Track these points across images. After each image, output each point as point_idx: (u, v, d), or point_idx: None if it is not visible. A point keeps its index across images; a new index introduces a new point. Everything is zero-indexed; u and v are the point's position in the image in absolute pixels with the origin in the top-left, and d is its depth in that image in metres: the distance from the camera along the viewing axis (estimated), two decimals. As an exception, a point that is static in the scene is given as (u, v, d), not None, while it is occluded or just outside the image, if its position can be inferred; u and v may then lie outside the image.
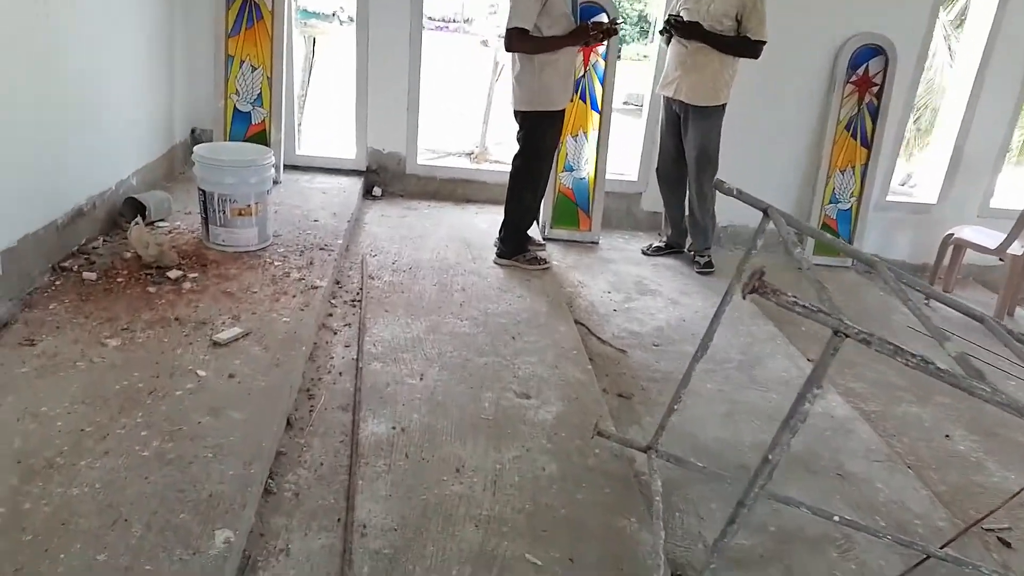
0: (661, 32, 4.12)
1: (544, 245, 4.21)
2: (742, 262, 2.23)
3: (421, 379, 2.63)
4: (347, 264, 3.60)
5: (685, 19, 3.90)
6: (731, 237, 4.91)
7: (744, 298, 1.52)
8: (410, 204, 4.69)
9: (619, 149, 4.66)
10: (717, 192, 4.18)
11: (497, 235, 3.99)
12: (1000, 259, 4.49)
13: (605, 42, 3.71)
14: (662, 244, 4.54)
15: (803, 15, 4.12)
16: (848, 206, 4.88)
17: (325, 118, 7.28)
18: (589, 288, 3.90)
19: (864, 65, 4.64)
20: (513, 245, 3.85)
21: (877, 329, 1.56)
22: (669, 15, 3.99)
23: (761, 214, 2.14)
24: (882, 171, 4.87)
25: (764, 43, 3.90)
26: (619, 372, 3.11)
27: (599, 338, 3.37)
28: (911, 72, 4.71)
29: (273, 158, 3.38)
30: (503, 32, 3.46)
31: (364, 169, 4.73)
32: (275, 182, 4.17)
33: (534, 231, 4.13)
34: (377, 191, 4.75)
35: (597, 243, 4.58)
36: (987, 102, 4.77)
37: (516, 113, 3.67)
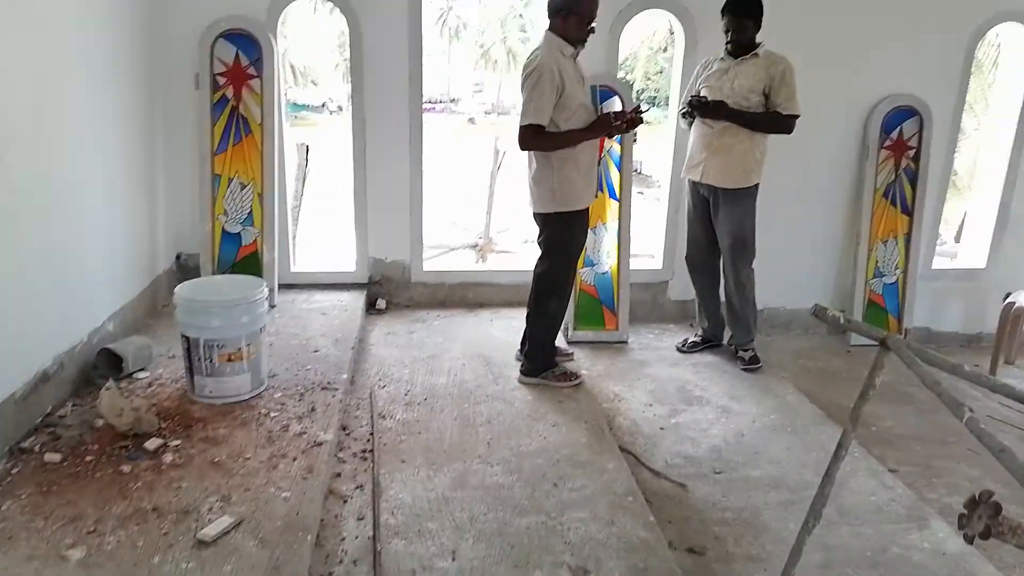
0: (683, 114, 3.81)
1: (572, 353, 3.79)
2: (857, 408, 1.80)
3: (453, 558, 2.17)
4: (354, 401, 3.16)
5: (708, 98, 3.59)
6: (768, 321, 4.49)
7: (970, 542, 1.08)
8: (418, 316, 4.29)
9: (637, 230, 4.30)
10: (753, 279, 3.95)
11: (519, 348, 3.58)
12: (1075, 328, 4.06)
13: (631, 132, 3.38)
14: (698, 339, 4.11)
15: (829, 78, 3.83)
16: (894, 279, 4.48)
17: (321, 228, 6.98)
18: (628, 401, 3.46)
19: (898, 128, 4.33)
20: (540, 361, 3.42)
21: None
22: (691, 95, 3.69)
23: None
24: (926, 239, 4.49)
25: (797, 117, 3.58)
26: (683, 515, 2.63)
27: (652, 470, 2.90)
28: (948, 132, 4.39)
29: (267, 290, 2.99)
30: (516, 130, 3.14)
31: (366, 281, 4.36)
32: (271, 306, 3.80)
33: (558, 338, 3.71)
34: (381, 303, 4.36)
35: (626, 342, 4.16)
36: (1030, 158, 4.44)
37: (536, 215, 3.31)
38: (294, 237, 4.85)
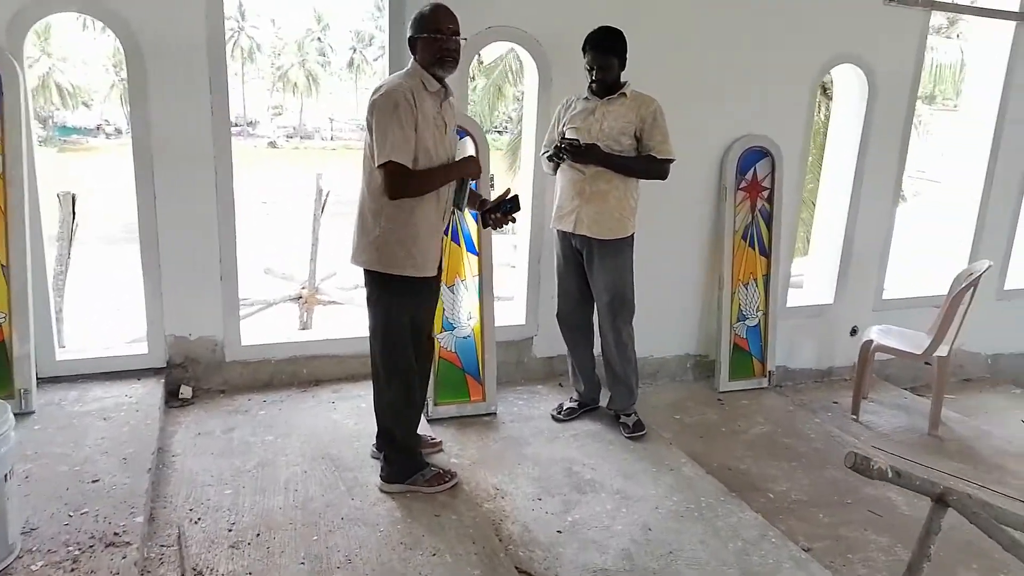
0: (548, 157, 3.34)
1: (439, 443, 3.14)
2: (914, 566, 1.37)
3: None
4: (155, 552, 2.29)
5: (579, 141, 3.16)
6: (646, 369, 4.14)
7: None
8: (237, 404, 3.41)
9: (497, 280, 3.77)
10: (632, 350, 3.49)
11: (375, 441, 2.88)
12: (927, 363, 4.13)
13: (508, 221, 2.81)
14: (574, 404, 3.65)
15: (685, 119, 3.56)
16: (756, 321, 4.35)
17: (101, 295, 5.64)
18: (513, 497, 2.89)
19: (752, 169, 4.20)
20: (401, 463, 2.75)
21: None
22: (561, 138, 3.23)
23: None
24: (782, 278, 4.42)
25: (672, 161, 3.26)
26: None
27: (563, 599, 2.35)
28: (796, 172, 4.36)
29: (11, 418, 2.05)
30: (375, 169, 2.49)
31: (164, 365, 3.41)
32: (29, 412, 2.81)
33: (422, 424, 3.07)
34: (186, 392, 3.43)
35: (495, 414, 3.60)
36: (869, 193, 4.53)
37: (364, 271, 2.64)
38: (58, 314, 3.74)
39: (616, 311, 3.36)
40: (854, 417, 4.21)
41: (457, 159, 2.69)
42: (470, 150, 3.53)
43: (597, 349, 3.63)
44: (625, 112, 3.22)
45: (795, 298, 4.64)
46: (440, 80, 2.57)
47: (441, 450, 3.10)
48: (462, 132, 3.51)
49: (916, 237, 5.42)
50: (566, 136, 3.23)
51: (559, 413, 3.61)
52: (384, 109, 2.43)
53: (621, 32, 3.20)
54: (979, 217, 4.95)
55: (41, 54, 32.42)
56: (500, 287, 3.90)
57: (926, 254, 5.49)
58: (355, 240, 2.62)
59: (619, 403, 3.54)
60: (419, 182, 2.51)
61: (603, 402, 3.70)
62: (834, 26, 4.22)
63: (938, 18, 4.40)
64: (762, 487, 3.25)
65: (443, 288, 3.46)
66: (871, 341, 4.19)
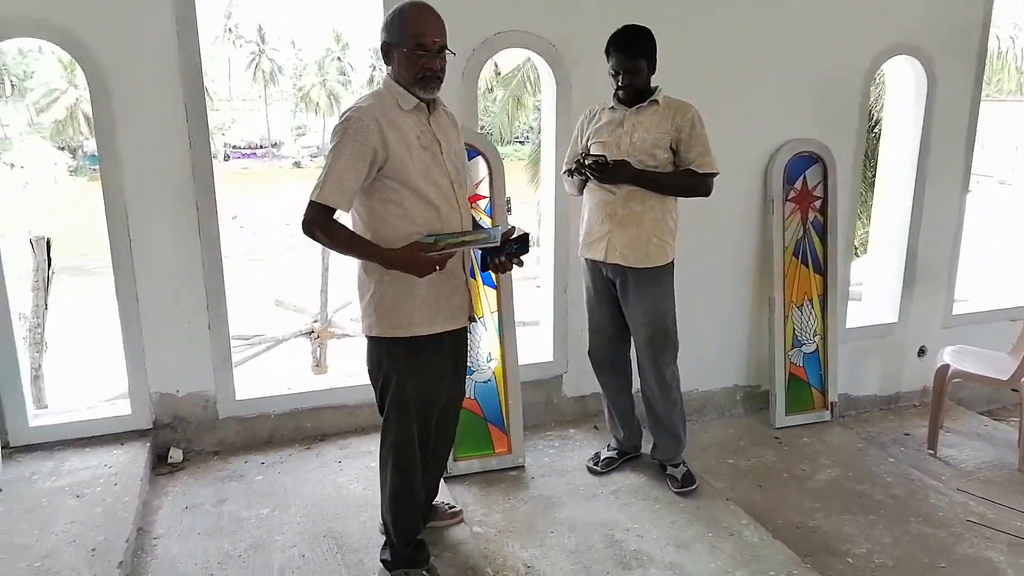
0: (570, 172, 2.93)
1: (459, 512, 2.72)
2: None
3: None
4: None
5: (606, 157, 2.74)
6: (691, 404, 3.68)
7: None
8: (231, 468, 3.03)
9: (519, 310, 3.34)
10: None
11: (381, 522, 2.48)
12: (1013, 389, 3.62)
13: (513, 264, 2.23)
14: (613, 453, 3.22)
15: (723, 125, 3.11)
16: (814, 347, 3.87)
17: (81, 351, 5.30)
18: (545, 576, 2.47)
19: (801, 177, 3.74)
20: (396, 552, 2.34)
21: None
22: (582, 153, 2.82)
23: None
24: (840, 297, 3.94)
25: (715, 175, 2.83)
26: None
27: None
28: (851, 178, 3.89)
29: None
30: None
31: (150, 426, 3.05)
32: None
33: (440, 488, 2.66)
34: (176, 455, 3.07)
35: (523, 467, 3.18)
36: (933, 198, 4.04)
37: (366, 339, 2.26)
38: (37, 371, 3.41)
39: (658, 349, 2.93)
40: (931, 452, 3.71)
41: (462, 186, 2.22)
42: (482, 172, 3.14)
43: (636, 388, 3.20)
44: (658, 122, 2.80)
45: (855, 318, 4.15)
46: (417, 96, 2.11)
47: (462, 520, 2.68)
48: (472, 152, 3.12)
49: (985, 245, 4.89)
50: (591, 152, 2.81)
51: (596, 464, 3.17)
52: (337, 137, 2.02)
53: (649, 31, 2.78)
54: (1057, 218, 4.43)
55: (68, 85, 32.89)
56: (522, 311, 3.48)
57: (997, 262, 4.94)
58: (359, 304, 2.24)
59: (664, 453, 3.09)
60: (334, 240, 2.03)
61: (645, 448, 3.27)
62: (886, 14, 3.75)
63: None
64: (839, 549, 2.78)
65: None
66: (947, 366, 3.69)
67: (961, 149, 4.07)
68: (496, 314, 3.20)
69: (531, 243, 2.27)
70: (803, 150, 3.71)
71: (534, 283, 4.03)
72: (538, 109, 15.76)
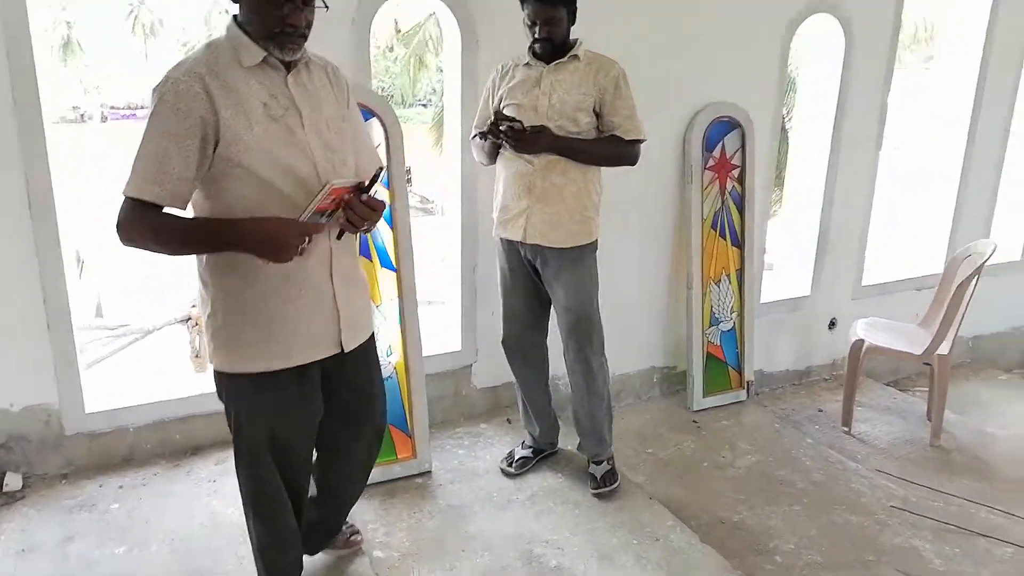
0: (482, 137, 2.56)
1: (358, 538, 2.37)
2: None
3: None
4: None
5: (522, 123, 2.40)
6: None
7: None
8: (83, 496, 2.55)
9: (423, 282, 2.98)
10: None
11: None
12: (926, 363, 3.59)
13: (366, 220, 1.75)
14: (528, 451, 2.95)
15: (639, 88, 2.83)
16: (731, 325, 3.72)
17: None
18: (457, 607, 2.17)
19: (719, 144, 3.53)
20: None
21: None
22: (495, 115, 2.45)
23: None
24: (757, 271, 3.80)
25: (642, 141, 2.54)
26: None
27: None
28: (768, 145, 3.72)
29: None
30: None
31: (-25, 451, 2.53)
32: None
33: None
34: (14, 482, 2.56)
35: (430, 472, 2.87)
36: (847, 165, 3.94)
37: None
38: None
39: (583, 337, 2.65)
40: (846, 430, 3.65)
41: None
42: (377, 137, 2.73)
43: (555, 376, 2.94)
44: (579, 80, 2.48)
45: (769, 291, 4.03)
46: (266, 48, 1.64)
47: (360, 546, 2.34)
48: (365, 113, 2.70)
49: (888, 212, 4.90)
50: (504, 115, 2.46)
51: (510, 465, 2.89)
52: (152, 107, 1.56)
53: None
54: (960, 187, 4.44)
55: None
56: (425, 287, 3.12)
57: (901, 231, 4.97)
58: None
59: (589, 449, 2.83)
60: (163, 241, 1.58)
61: (563, 442, 3.02)
62: (805, -30, 3.56)
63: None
64: (766, 547, 2.62)
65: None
66: (861, 341, 3.61)
67: (876, 114, 3.97)
68: (396, 302, 2.83)
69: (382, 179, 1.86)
70: (722, 115, 3.49)
71: (439, 261, 3.67)
72: (441, 70, 15.17)
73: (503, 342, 2.86)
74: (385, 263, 2.79)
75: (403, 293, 2.82)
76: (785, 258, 4.25)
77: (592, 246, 2.62)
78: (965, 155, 4.38)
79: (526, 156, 2.48)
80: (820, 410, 3.91)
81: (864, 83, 3.85)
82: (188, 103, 1.54)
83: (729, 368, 3.73)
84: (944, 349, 3.46)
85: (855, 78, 3.80)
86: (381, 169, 1.76)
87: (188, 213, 1.66)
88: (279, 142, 1.63)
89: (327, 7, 1.71)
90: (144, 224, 1.58)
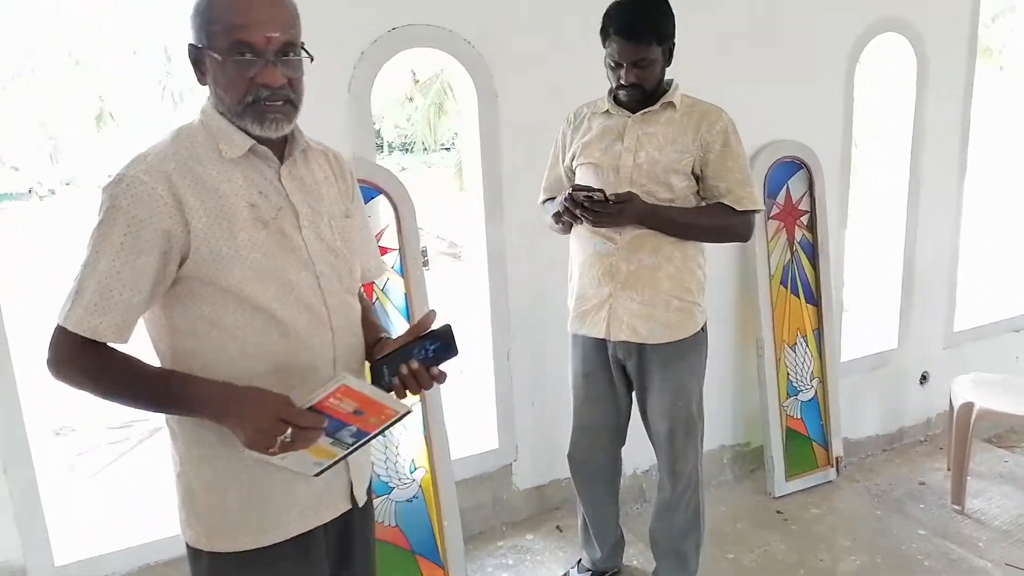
0: (558, 218, 2.05)
1: None
2: None
3: None
4: None
5: (603, 192, 1.88)
6: (650, 478, 2.92)
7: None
8: (54, 671, 2.12)
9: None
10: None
11: None
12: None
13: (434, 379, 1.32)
14: (587, 574, 2.44)
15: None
16: (812, 394, 3.19)
17: None
18: None
19: (783, 188, 3.06)
20: None
21: None
22: (572, 189, 1.92)
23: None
24: (836, 329, 3.28)
25: (757, 212, 2.05)
26: None
27: None
28: (839, 185, 3.23)
29: None
30: None
31: (-78, 627, 2.11)
32: None
33: None
34: (-30, 660, 2.13)
35: (469, 606, 2.38)
36: (929, 198, 3.42)
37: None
38: None
39: (678, 447, 2.16)
40: (958, 508, 3.07)
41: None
42: (384, 218, 2.32)
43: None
44: (675, 134, 1.99)
45: (849, 348, 3.50)
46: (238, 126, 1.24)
47: None
48: (370, 191, 2.30)
49: (975, 246, 4.36)
50: (583, 187, 1.92)
51: (569, 591, 2.40)
52: (100, 215, 1.17)
53: (666, 2, 1.97)
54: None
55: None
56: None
57: (989, 265, 4.41)
58: None
59: (670, 573, 2.32)
60: (106, 387, 1.20)
61: (628, 558, 2.52)
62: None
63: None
64: None
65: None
66: (971, 404, 3.05)
67: (956, 138, 3.46)
68: (421, 408, 2.38)
69: (456, 340, 1.44)
70: (785, 155, 3.02)
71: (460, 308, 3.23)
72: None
73: (570, 456, 2.34)
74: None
75: (425, 397, 2.37)
76: (866, 309, 3.72)
77: (697, 337, 2.12)
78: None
79: (607, 231, 1.99)
80: (921, 483, 3.34)
81: (941, 105, 3.35)
82: (148, 210, 1.15)
83: (813, 444, 3.20)
84: (1074, 411, 2.89)
85: (930, 101, 3.31)
86: (449, 328, 1.31)
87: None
88: (270, 252, 1.23)
89: (311, 58, 1.28)
90: (81, 364, 1.19)
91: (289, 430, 1.15)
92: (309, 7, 1.32)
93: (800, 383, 3.15)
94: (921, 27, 3.22)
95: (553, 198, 2.12)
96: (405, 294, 2.35)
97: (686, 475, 2.18)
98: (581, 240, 2.09)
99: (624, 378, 2.17)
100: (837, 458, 3.23)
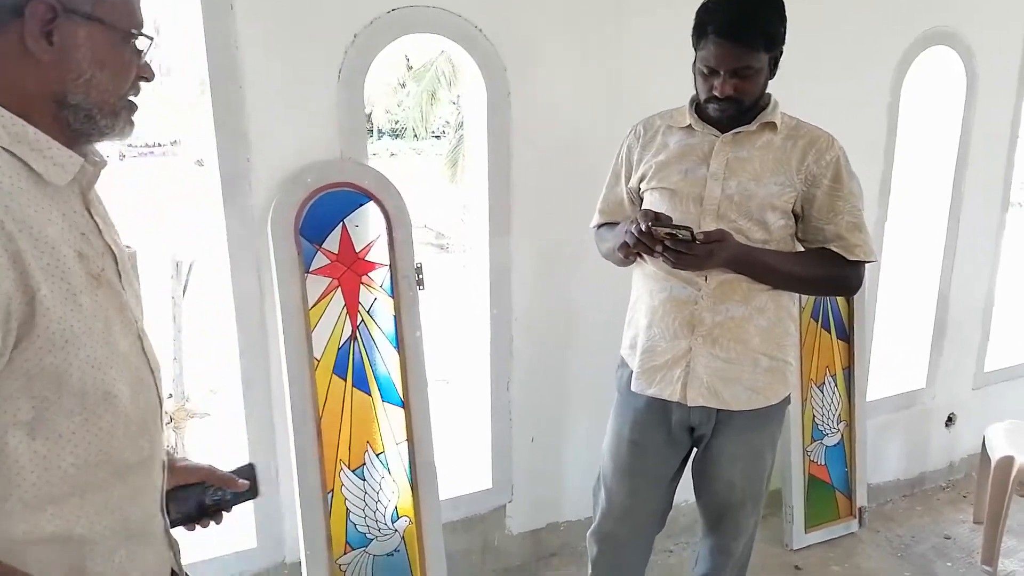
0: (623, 247, 1.64)
1: None
2: None
3: None
4: None
5: (691, 230, 1.51)
6: (672, 523, 2.63)
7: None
8: None
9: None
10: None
11: None
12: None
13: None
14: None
15: None
16: (837, 438, 2.91)
17: None
18: None
19: (820, 212, 2.76)
20: None
21: None
22: (652, 220, 1.54)
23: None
24: (866, 368, 3.00)
25: (868, 263, 1.70)
26: None
27: None
28: (876, 209, 2.94)
29: None
30: None
31: None
32: None
33: None
34: None
35: None
36: (968, 227, 3.15)
37: None
38: None
39: (741, 525, 1.86)
40: (989, 571, 2.81)
41: None
42: (374, 230, 1.99)
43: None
44: (775, 163, 1.64)
45: (875, 386, 3.22)
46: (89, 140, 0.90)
47: None
48: (361, 196, 1.97)
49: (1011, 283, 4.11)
50: (664, 217, 1.57)
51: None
52: None
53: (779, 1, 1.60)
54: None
55: None
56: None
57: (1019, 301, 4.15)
58: None
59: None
60: None
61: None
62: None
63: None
64: None
65: (346, 477, 1.92)
66: (1011, 459, 2.78)
67: (1002, 165, 3.19)
68: (405, 445, 2.06)
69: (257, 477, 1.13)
70: (822, 175, 2.72)
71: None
72: (453, 103, 14.53)
73: (595, 536, 1.95)
74: (389, 397, 2.03)
75: (413, 436, 2.05)
76: (891, 343, 3.44)
77: (784, 403, 1.80)
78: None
79: (689, 274, 1.63)
80: (947, 536, 3.07)
81: (988, 128, 3.07)
82: None
83: (837, 493, 2.92)
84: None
85: (977, 124, 3.03)
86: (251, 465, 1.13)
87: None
88: (108, 318, 0.87)
89: (151, 39, 0.93)
90: None
91: None
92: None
93: (826, 426, 2.87)
94: (972, 40, 2.93)
95: (611, 223, 1.78)
96: (395, 316, 2.03)
97: (738, 554, 1.89)
98: (651, 281, 1.72)
99: (687, 448, 1.83)
100: (860, 508, 2.95)
